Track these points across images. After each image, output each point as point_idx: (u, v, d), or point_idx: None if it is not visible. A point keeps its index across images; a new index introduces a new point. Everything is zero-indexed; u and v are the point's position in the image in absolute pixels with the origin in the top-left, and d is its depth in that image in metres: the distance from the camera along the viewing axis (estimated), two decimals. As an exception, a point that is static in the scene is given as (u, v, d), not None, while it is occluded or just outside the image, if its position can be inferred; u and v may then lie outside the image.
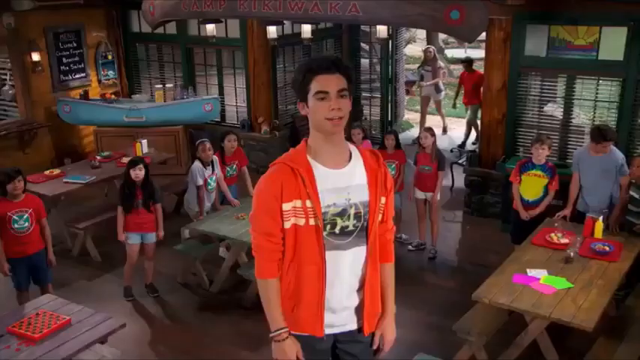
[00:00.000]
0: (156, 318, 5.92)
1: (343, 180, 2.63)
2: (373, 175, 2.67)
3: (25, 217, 5.21)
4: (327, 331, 2.78)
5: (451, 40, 22.99)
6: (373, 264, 2.73)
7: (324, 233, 2.62)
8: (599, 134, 5.73)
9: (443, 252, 7.04)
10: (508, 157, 7.58)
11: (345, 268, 2.70)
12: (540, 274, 4.76)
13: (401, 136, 7.50)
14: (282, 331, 2.70)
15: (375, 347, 2.85)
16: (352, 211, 2.63)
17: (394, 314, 2.88)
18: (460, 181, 8.68)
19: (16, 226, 5.17)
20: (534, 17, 7.13)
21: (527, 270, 4.83)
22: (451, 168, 8.98)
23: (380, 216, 2.72)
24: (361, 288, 2.75)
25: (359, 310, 2.78)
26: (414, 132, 12.25)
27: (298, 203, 2.58)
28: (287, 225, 2.62)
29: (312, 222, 2.59)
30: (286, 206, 2.59)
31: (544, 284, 4.62)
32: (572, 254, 5.00)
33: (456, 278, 6.59)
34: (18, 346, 3.96)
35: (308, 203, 2.58)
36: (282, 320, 2.71)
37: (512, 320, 4.78)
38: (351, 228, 2.65)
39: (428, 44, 19.29)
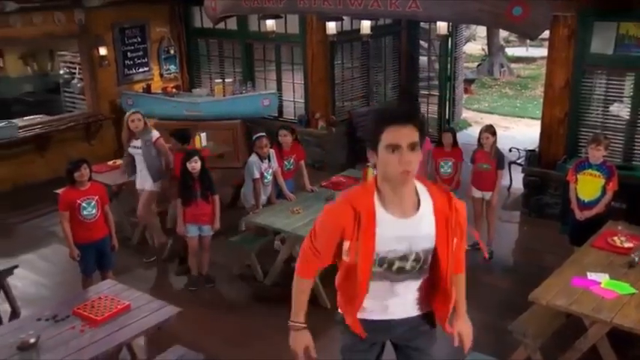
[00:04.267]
0: (210, 307, 6.03)
1: (409, 230, 2.63)
2: (443, 220, 2.65)
3: (92, 203, 5.41)
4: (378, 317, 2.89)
5: (512, 38, 22.54)
6: (447, 294, 2.81)
7: (379, 269, 2.69)
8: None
9: (499, 252, 6.92)
10: (570, 158, 7.39)
11: (384, 294, 2.79)
12: (601, 277, 4.62)
13: (457, 134, 7.39)
14: (298, 323, 2.98)
15: (456, 345, 2.97)
16: (412, 257, 2.68)
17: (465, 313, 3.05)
18: (518, 181, 8.51)
19: (84, 212, 5.37)
20: (602, 14, 6.91)
21: (588, 273, 4.69)
22: (509, 167, 8.82)
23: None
24: (422, 300, 2.85)
25: (418, 305, 2.87)
26: (471, 131, 12.08)
27: (353, 244, 2.64)
28: (345, 258, 2.72)
29: (361, 262, 2.65)
30: (346, 245, 2.67)
31: (605, 288, 4.48)
32: (636, 259, 4.82)
33: (511, 278, 6.48)
34: (82, 327, 4.11)
35: (359, 245, 2.62)
36: (302, 316, 2.97)
37: (569, 323, 4.66)
38: (408, 269, 2.71)
39: (488, 42, 19.02)
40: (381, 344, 3.07)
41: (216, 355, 5.17)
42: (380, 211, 2.59)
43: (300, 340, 3.00)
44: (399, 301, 2.83)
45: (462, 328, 3.00)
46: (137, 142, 6.63)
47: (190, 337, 5.44)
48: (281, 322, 5.56)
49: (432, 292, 2.85)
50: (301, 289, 2.95)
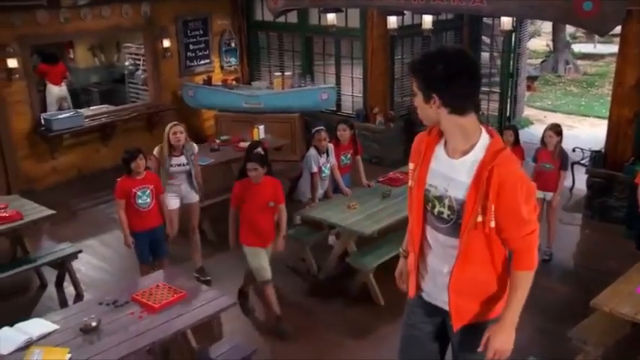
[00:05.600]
0: (263, 301, 6.08)
1: (449, 170, 2.68)
2: (480, 175, 2.57)
3: (147, 192, 5.54)
4: (421, 293, 2.98)
5: (579, 34, 21.83)
6: (464, 264, 2.70)
7: (427, 205, 2.76)
8: None
9: (558, 255, 6.73)
10: (638, 159, 7.10)
11: (434, 250, 2.82)
12: (670, 286, 4.43)
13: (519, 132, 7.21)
14: (402, 249, 3.20)
15: (481, 349, 2.79)
16: (446, 202, 2.69)
17: (512, 324, 2.74)
18: (581, 182, 8.24)
19: (139, 201, 5.50)
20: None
21: (656, 281, 4.51)
22: (572, 168, 8.55)
23: (491, 222, 2.59)
24: (448, 281, 2.78)
25: (447, 298, 2.82)
26: (533, 129, 11.78)
27: (414, 168, 2.82)
28: (410, 183, 2.87)
29: (416, 187, 2.80)
30: (410, 165, 2.86)
31: (674, 298, 4.29)
32: None
33: (570, 283, 6.29)
34: (141, 313, 4.22)
35: (417, 170, 2.78)
36: (404, 244, 3.16)
37: (633, 333, 4.49)
38: (445, 216, 2.72)
39: (553, 38, 18.47)
40: (440, 326, 3.00)
41: (266, 347, 5.23)
42: (440, 145, 2.73)
43: (398, 266, 3.22)
44: (437, 264, 2.82)
45: (494, 336, 2.73)
46: (181, 159, 6.01)
47: (242, 329, 5.52)
48: (331, 318, 5.64)
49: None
50: None
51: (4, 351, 3.73)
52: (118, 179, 5.62)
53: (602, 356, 4.39)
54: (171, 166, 5.94)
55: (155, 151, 6.03)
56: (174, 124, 6.02)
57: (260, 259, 5.29)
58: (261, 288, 5.45)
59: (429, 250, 2.86)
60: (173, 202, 6.07)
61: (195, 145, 6.25)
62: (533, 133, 11.09)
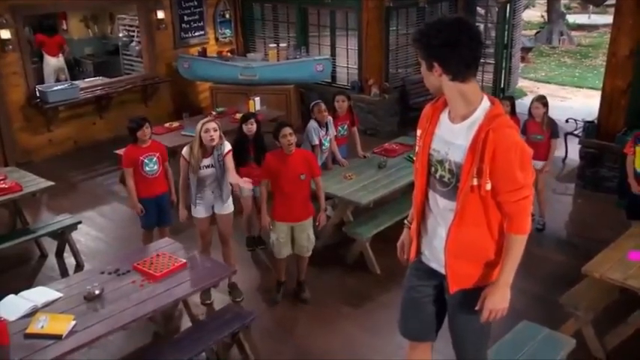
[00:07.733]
0: (263, 268, 6.19)
1: (450, 135, 2.78)
2: (477, 138, 2.65)
3: (154, 160, 5.61)
4: (421, 256, 3.08)
5: (573, 4, 21.76)
6: (459, 225, 2.79)
7: (431, 169, 2.86)
8: None
9: (552, 224, 6.83)
10: (630, 130, 7.15)
11: (434, 213, 2.92)
12: (659, 253, 4.54)
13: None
14: (406, 221, 3.27)
15: (477, 308, 2.88)
16: (447, 166, 2.78)
17: (506, 284, 2.82)
18: (574, 152, 8.32)
19: (147, 169, 5.58)
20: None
21: (645, 248, 4.61)
22: (565, 139, 8.63)
23: (487, 185, 2.66)
24: (444, 244, 2.87)
25: (443, 261, 2.91)
26: (527, 100, 11.80)
27: (421, 134, 2.92)
28: (416, 148, 2.96)
29: (420, 150, 2.90)
30: (418, 132, 2.96)
31: (662, 264, 4.40)
32: (695, 235, 4.72)
33: (564, 251, 6.40)
34: (142, 282, 4.30)
35: (423, 136, 2.89)
36: (410, 215, 3.21)
37: (622, 300, 4.61)
38: (445, 180, 2.81)
39: (548, 8, 18.40)
40: (438, 289, 3.08)
41: (265, 314, 5.33)
42: (444, 113, 2.84)
43: (401, 237, 3.29)
44: (436, 225, 2.91)
45: (490, 296, 2.82)
46: (208, 160, 5.10)
47: (244, 296, 5.61)
48: (329, 287, 5.72)
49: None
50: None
51: (11, 317, 3.81)
52: (124, 148, 5.70)
53: (592, 321, 4.51)
54: (200, 168, 5.08)
55: (184, 152, 5.14)
56: (207, 121, 5.10)
57: (277, 235, 5.24)
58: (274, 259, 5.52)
59: (429, 214, 2.96)
60: (199, 210, 5.27)
61: (227, 144, 5.21)
62: (526, 104, 11.06)
